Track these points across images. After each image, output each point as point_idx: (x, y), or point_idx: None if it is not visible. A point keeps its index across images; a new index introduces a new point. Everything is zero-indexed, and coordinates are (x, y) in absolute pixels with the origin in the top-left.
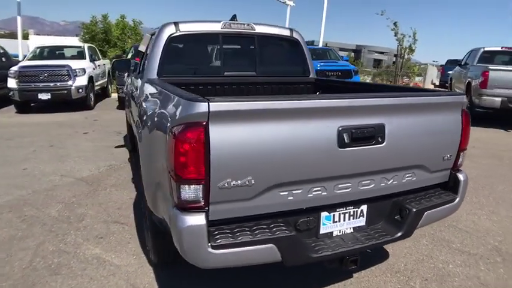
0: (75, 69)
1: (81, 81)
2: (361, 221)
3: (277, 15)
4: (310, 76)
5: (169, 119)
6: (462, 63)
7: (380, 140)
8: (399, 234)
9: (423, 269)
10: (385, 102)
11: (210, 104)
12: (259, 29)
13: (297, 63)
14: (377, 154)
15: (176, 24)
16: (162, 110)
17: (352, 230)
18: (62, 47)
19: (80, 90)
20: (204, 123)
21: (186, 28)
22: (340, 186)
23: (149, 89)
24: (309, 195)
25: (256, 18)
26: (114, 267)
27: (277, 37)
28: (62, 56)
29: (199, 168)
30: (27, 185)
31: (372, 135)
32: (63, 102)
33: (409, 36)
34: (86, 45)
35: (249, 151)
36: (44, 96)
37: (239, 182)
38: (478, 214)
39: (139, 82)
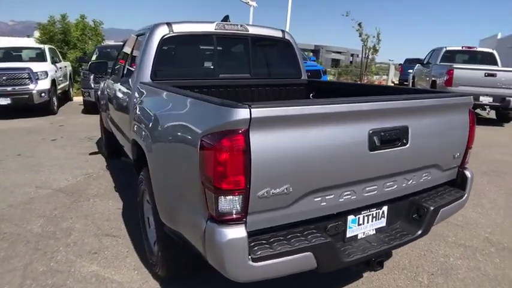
0: (36, 72)
1: (44, 84)
2: (383, 222)
3: (240, 16)
4: (302, 78)
5: (201, 127)
6: (424, 62)
7: (404, 142)
8: (419, 232)
9: (427, 263)
10: (411, 104)
11: (252, 110)
12: (252, 30)
13: (289, 64)
14: (401, 155)
15: (169, 24)
16: (186, 118)
17: (374, 232)
18: (19, 49)
19: (43, 94)
20: (245, 131)
21: (179, 29)
22: (367, 189)
23: (150, 93)
24: (340, 200)
25: (217, 16)
26: (116, 284)
27: (270, 38)
28: (20, 58)
29: (239, 178)
30: (0, 199)
31: (398, 137)
32: (25, 108)
33: (373, 37)
34: (47, 47)
35: (287, 158)
36: (3, 101)
37: (278, 190)
38: (465, 207)
39: (125, 86)
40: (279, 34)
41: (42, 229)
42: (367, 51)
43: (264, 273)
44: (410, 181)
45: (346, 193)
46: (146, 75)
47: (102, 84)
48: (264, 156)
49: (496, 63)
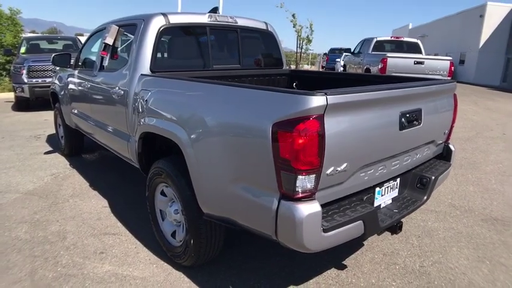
0: None
1: None
2: (396, 192)
3: (167, 5)
4: (284, 67)
5: (272, 115)
6: (355, 52)
7: (420, 122)
8: (425, 198)
9: (411, 228)
10: (425, 90)
11: (328, 97)
12: (240, 22)
13: (273, 55)
14: (417, 134)
15: (164, 15)
16: (247, 108)
17: (391, 201)
18: None
19: None
20: (321, 116)
21: (175, 20)
22: (393, 163)
23: (172, 86)
24: (376, 174)
25: (147, 9)
26: (140, 280)
27: (256, 30)
28: None
29: (314, 159)
30: None
31: (416, 118)
32: None
33: (306, 28)
34: None
35: (348, 139)
36: None
37: (340, 168)
38: None
39: (114, 78)
40: (263, 26)
41: (31, 235)
42: (301, 41)
43: (330, 242)
44: (417, 155)
45: (380, 168)
46: (145, 67)
47: (62, 78)
48: (333, 138)
49: (420, 52)
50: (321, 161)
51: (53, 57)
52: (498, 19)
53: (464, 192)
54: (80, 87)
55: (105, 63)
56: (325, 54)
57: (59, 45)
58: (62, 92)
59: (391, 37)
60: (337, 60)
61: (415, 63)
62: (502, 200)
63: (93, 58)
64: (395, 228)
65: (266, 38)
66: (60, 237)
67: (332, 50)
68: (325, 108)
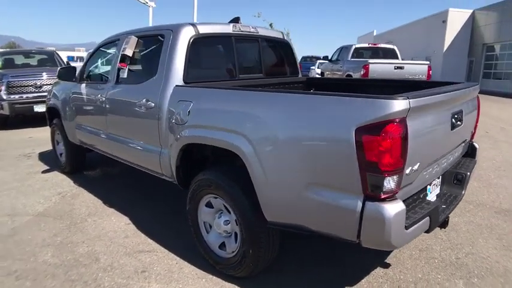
0: None
1: None
2: (439, 189)
3: (138, 17)
4: (299, 75)
5: (354, 120)
6: (333, 59)
7: (462, 122)
8: (463, 193)
9: None
10: (466, 92)
11: (410, 100)
12: (261, 32)
13: (290, 64)
14: (459, 133)
15: (193, 25)
16: (324, 114)
17: (435, 198)
18: None
19: None
20: (404, 118)
21: (204, 30)
22: (443, 161)
23: (227, 96)
24: (433, 172)
25: (120, 19)
26: None
27: (274, 40)
28: None
29: (399, 161)
30: None
31: (460, 118)
32: None
33: None
34: None
35: (420, 140)
36: None
37: (414, 168)
38: None
39: (139, 90)
40: (279, 35)
41: (59, 259)
42: None
43: (409, 238)
44: (456, 154)
45: (435, 166)
46: (178, 78)
47: (63, 92)
48: (412, 140)
49: (397, 57)
50: (403, 162)
51: (59, 70)
52: (459, 24)
53: (471, 188)
54: (90, 102)
55: (124, 75)
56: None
57: (34, 60)
58: (65, 107)
59: (368, 44)
60: (311, 68)
61: (395, 68)
62: (506, 193)
63: (104, 70)
64: (445, 223)
65: (283, 47)
66: (92, 258)
67: (304, 58)
68: (407, 111)
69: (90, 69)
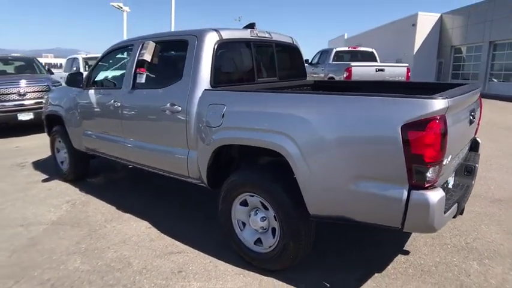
0: None
1: None
2: (453, 180)
3: (113, 22)
4: (307, 78)
5: (400, 118)
6: (313, 62)
7: (475, 118)
8: (473, 183)
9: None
10: (478, 92)
11: (448, 100)
12: (274, 37)
13: (298, 67)
14: (472, 128)
15: (217, 31)
16: (370, 113)
17: (452, 186)
18: None
19: None
20: (443, 116)
21: (226, 35)
22: (460, 154)
23: (265, 100)
24: (453, 163)
25: (95, 24)
26: None
27: (285, 44)
28: None
29: (440, 153)
30: None
31: (474, 115)
32: None
33: None
34: None
35: (452, 134)
36: None
37: (447, 160)
38: None
39: (164, 94)
40: (290, 40)
41: (90, 265)
42: None
43: (444, 222)
44: (467, 147)
45: (456, 159)
46: (206, 82)
47: (66, 99)
48: (448, 133)
49: (376, 60)
50: (443, 154)
51: (68, 77)
52: (428, 27)
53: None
54: (101, 108)
55: (141, 80)
56: None
57: (11, 67)
58: (69, 114)
59: (348, 47)
60: None
61: (376, 71)
62: (496, 185)
63: (115, 76)
64: (462, 210)
65: (293, 51)
66: (124, 263)
67: None
68: (447, 109)
69: (99, 75)
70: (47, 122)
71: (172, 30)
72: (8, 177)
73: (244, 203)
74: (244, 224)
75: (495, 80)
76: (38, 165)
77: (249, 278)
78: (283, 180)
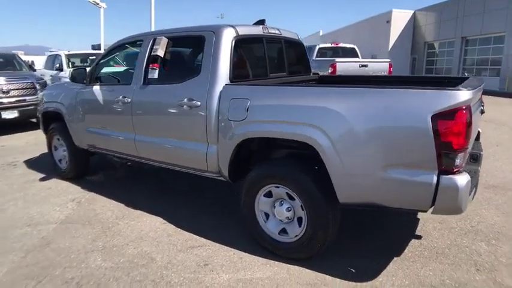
0: None
1: None
2: None
3: (84, 18)
4: (311, 74)
5: (430, 108)
6: None
7: (482, 109)
8: (479, 169)
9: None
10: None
11: (472, 91)
12: (283, 34)
13: (304, 62)
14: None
15: (233, 27)
16: (401, 104)
17: None
18: None
19: None
20: (469, 106)
21: (242, 31)
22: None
23: (292, 94)
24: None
25: (66, 21)
26: (268, 280)
27: (292, 40)
28: None
29: (466, 140)
30: (3, 249)
31: (482, 106)
32: None
33: None
34: None
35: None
36: None
37: (470, 147)
38: None
39: (172, 89)
40: (296, 37)
41: (112, 262)
42: None
43: (468, 204)
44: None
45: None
46: (225, 77)
47: (67, 95)
48: (472, 123)
49: (357, 55)
50: (468, 142)
51: (73, 73)
52: (402, 24)
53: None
54: (107, 104)
55: (154, 75)
56: None
57: None
58: (71, 111)
59: (331, 44)
60: None
61: (360, 66)
62: (488, 173)
63: (123, 71)
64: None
65: (299, 47)
66: (147, 258)
67: None
68: (471, 99)
69: (100, 71)
70: (44, 120)
71: (152, 27)
72: (1, 177)
73: (269, 195)
74: (267, 215)
75: (467, 75)
76: (31, 164)
77: (276, 267)
78: (310, 171)
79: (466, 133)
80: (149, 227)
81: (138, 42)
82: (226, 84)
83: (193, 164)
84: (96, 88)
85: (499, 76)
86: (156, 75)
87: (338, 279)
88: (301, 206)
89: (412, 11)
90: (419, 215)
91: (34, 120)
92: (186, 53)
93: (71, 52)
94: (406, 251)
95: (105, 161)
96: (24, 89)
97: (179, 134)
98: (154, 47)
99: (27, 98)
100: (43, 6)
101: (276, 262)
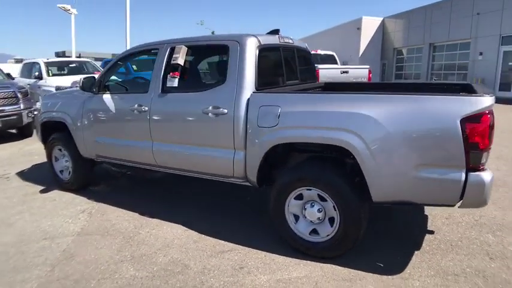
0: None
1: None
2: None
3: (51, 25)
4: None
5: (459, 112)
6: None
7: None
8: None
9: None
10: None
11: (493, 97)
12: (295, 43)
13: (312, 70)
14: None
15: (255, 36)
16: (432, 110)
17: None
18: None
19: None
20: (492, 111)
21: (264, 41)
22: None
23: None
24: None
25: (30, 28)
26: (306, 278)
27: (301, 49)
28: None
29: (490, 141)
30: (24, 264)
31: None
32: None
33: None
34: None
35: None
36: None
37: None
38: None
39: (197, 97)
40: (304, 46)
41: (146, 271)
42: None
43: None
44: None
45: None
46: (251, 85)
47: (72, 104)
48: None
49: (336, 62)
50: (491, 142)
51: (83, 81)
52: (372, 30)
53: None
54: (121, 112)
55: (173, 83)
56: None
57: None
58: (78, 120)
59: (311, 51)
60: None
61: (341, 73)
62: None
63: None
64: None
65: (307, 56)
66: (181, 265)
67: None
68: (493, 105)
69: (108, 79)
70: (43, 129)
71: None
72: None
73: (299, 197)
74: (296, 217)
75: (436, 79)
76: (25, 175)
77: (309, 266)
78: (342, 173)
79: (490, 134)
80: (172, 235)
81: (153, 51)
82: (253, 92)
83: (218, 171)
84: (107, 97)
85: (466, 80)
86: (175, 84)
87: (371, 274)
88: (334, 206)
89: (381, 19)
90: (427, 212)
91: (14, 131)
92: (208, 61)
93: (50, 60)
94: (424, 245)
95: (104, 171)
96: (6, 98)
97: (203, 141)
98: (174, 56)
99: (7, 108)
100: (5, 12)
101: (308, 261)
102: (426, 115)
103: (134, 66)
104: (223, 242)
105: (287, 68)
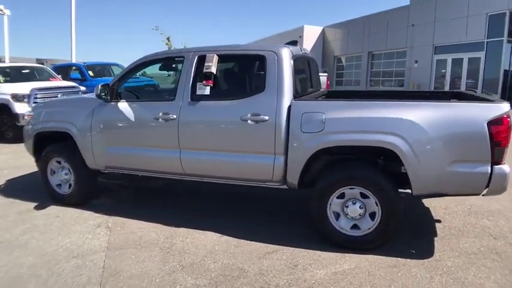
0: None
1: None
2: None
3: None
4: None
5: (486, 116)
6: None
7: None
8: None
9: None
10: None
11: (509, 104)
12: (309, 53)
13: (318, 78)
14: None
15: (288, 47)
16: (466, 114)
17: None
18: None
19: None
20: (509, 115)
21: (294, 51)
22: None
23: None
24: None
25: None
26: (358, 270)
27: (311, 59)
28: None
29: (509, 140)
30: (69, 286)
31: None
32: None
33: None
34: None
35: None
36: None
37: None
38: None
39: (235, 104)
40: (313, 56)
41: (205, 278)
42: None
43: None
44: None
45: None
46: (289, 94)
47: (80, 113)
48: None
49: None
50: (510, 140)
51: (100, 89)
52: (313, 39)
53: None
54: (142, 121)
55: (205, 91)
56: None
57: None
58: (86, 130)
59: None
60: None
61: None
62: None
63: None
64: None
65: (315, 65)
66: (237, 270)
67: None
68: (510, 110)
69: (122, 87)
70: (37, 141)
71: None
72: None
73: (341, 196)
74: (337, 214)
75: (373, 85)
76: (11, 191)
77: (355, 258)
78: (383, 172)
79: (509, 134)
80: (209, 242)
81: (176, 58)
82: (295, 100)
83: (256, 175)
84: (124, 105)
85: (403, 86)
86: (207, 92)
87: (409, 259)
88: (376, 202)
89: (322, 27)
90: (427, 204)
91: None
92: (243, 70)
93: (5, 64)
94: (438, 231)
95: (100, 184)
96: None
97: (240, 147)
98: (206, 64)
99: None
100: None
101: (351, 254)
102: (459, 119)
103: (90, 72)
104: (264, 244)
105: (307, 76)
